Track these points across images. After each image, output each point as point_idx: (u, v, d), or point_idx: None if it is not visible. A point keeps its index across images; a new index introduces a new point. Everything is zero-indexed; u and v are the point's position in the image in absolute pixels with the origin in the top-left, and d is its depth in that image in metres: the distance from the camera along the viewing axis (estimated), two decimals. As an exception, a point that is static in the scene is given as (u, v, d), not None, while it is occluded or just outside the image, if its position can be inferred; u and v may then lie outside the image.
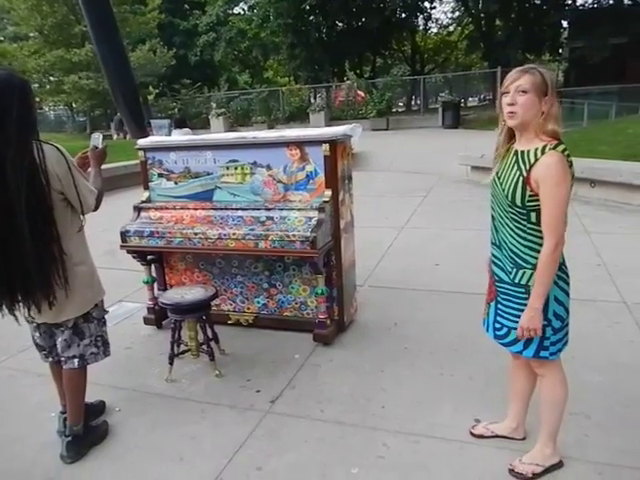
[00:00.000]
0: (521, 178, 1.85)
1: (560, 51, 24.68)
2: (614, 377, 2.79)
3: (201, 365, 3.18)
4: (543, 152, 1.81)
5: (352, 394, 2.79)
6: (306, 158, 3.25)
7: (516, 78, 1.83)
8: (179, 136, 9.88)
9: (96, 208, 2.28)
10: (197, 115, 21.00)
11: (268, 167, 3.35)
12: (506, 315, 2.03)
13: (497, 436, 2.32)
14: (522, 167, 1.86)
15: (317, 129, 3.42)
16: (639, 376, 2.79)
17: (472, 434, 2.37)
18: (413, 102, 23.51)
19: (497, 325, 2.08)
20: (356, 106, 18.41)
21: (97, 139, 2.50)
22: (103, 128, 24.19)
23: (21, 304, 2.14)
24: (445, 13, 40.54)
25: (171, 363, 3.05)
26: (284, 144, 3.28)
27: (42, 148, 2.05)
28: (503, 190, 1.92)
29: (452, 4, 27.23)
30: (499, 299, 2.06)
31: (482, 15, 23.17)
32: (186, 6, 28.73)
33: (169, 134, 9.96)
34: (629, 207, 6.42)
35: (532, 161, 1.83)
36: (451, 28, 30.41)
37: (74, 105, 25.32)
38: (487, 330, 2.17)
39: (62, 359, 2.34)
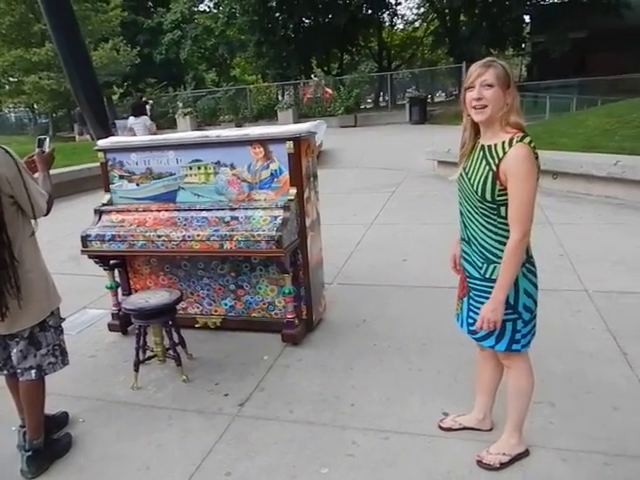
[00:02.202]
0: (491, 173, 1.85)
1: (523, 46, 25.16)
2: (577, 365, 2.86)
3: (168, 371, 3.12)
4: (510, 145, 1.81)
5: (321, 393, 2.78)
6: (270, 156, 3.22)
7: (481, 73, 1.82)
8: (136, 127, 9.71)
9: (47, 212, 2.21)
10: (164, 115, 20.67)
11: (232, 166, 3.30)
12: (477, 310, 2.02)
13: (465, 428, 2.34)
14: (491, 161, 1.86)
15: (281, 127, 3.39)
16: (601, 362, 2.86)
17: (441, 427, 2.38)
18: (381, 98, 23.65)
19: (470, 320, 2.09)
20: (324, 103, 18.45)
21: (44, 142, 2.42)
22: (67, 130, 23.62)
23: None
24: (410, 9, 40.83)
25: (136, 370, 2.98)
26: (247, 142, 3.24)
27: None
28: (472, 185, 1.92)
29: (417, 0, 27.49)
30: (471, 294, 2.06)
31: (446, 11, 23.45)
32: (149, 4, 28.25)
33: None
34: (590, 197, 6.58)
35: (500, 155, 1.83)
36: (417, 24, 30.68)
37: (36, 106, 24.58)
38: (461, 325, 2.17)
39: (18, 371, 2.25)
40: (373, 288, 4.24)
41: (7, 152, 2.03)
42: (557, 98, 15.48)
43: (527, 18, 23.69)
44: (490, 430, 2.32)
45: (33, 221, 2.20)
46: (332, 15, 23.18)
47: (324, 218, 3.73)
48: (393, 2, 26.09)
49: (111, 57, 20.71)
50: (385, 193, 7.84)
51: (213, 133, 3.43)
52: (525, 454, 2.15)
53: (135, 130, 10.00)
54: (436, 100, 21.88)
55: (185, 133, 3.73)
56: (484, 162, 1.89)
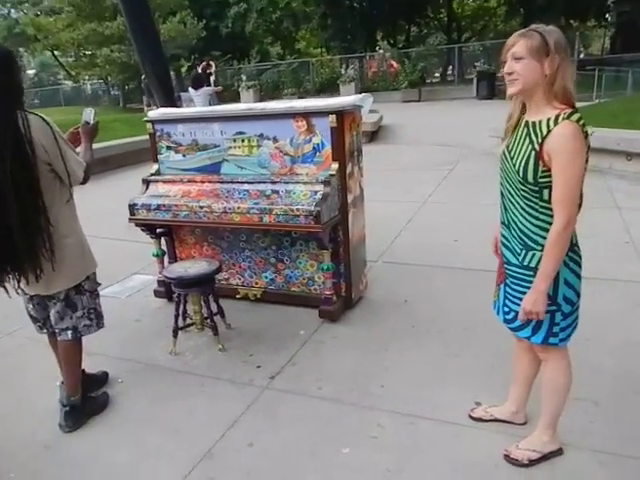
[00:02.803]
0: (533, 152, 1.71)
1: (607, 16, 23.35)
2: (630, 362, 2.65)
3: (206, 339, 3.18)
4: (556, 122, 1.66)
5: (353, 372, 2.74)
6: (313, 130, 3.15)
7: (511, 45, 1.71)
8: (197, 99, 9.80)
9: (85, 181, 2.27)
10: (228, 87, 20.88)
11: (275, 139, 3.26)
12: (514, 299, 1.91)
13: (496, 420, 2.24)
14: (534, 139, 1.72)
15: (324, 99, 3.30)
16: (657, 361, 2.64)
17: (471, 417, 2.29)
18: (450, 72, 22.76)
19: (505, 309, 1.98)
20: (388, 77, 17.97)
21: (89, 114, 2.47)
22: (137, 101, 24.43)
23: (10, 276, 2.15)
24: (485, -22, 38.60)
25: (175, 336, 3.06)
26: (290, 115, 3.18)
27: (27, 118, 2.03)
28: (514, 165, 1.79)
29: (491, -32, 26.03)
30: (508, 282, 1.95)
31: (523, -21, 22.09)
32: (217, -24, 28.33)
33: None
34: (668, 181, 6.06)
35: (544, 132, 1.69)
36: (490, -7, 29.07)
37: (109, 78, 25.53)
38: (497, 313, 2.07)
39: (56, 330, 2.37)
40: (419, 268, 4.12)
41: (43, 120, 2.09)
42: (641, 73, 14.29)
43: (613, -15, 21.91)
44: (523, 424, 2.20)
45: (70, 188, 2.26)
46: (400, -15, 22.40)
47: (376, 195, 3.63)
48: (466, -30, 24.88)
49: (178, 30, 21.01)
50: (442, 171, 7.58)
51: (258, 105, 3.40)
52: (558, 452, 2.02)
53: (195, 102, 10.19)
54: (507, 74, 20.74)
55: (231, 105, 3.73)
56: (527, 140, 1.74)
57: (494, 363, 2.69)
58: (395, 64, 18.24)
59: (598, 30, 26.60)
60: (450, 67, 21.99)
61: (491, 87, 15.81)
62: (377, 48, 21.62)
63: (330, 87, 18.60)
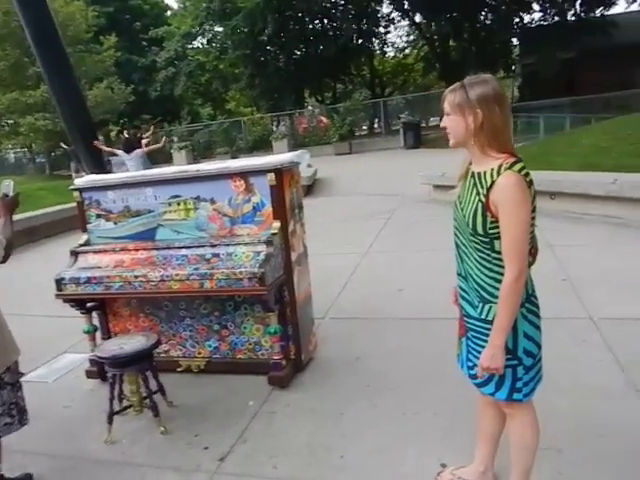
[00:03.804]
0: (480, 203, 1.69)
1: (513, 68, 25.44)
2: (585, 402, 2.64)
3: (145, 421, 2.89)
4: (499, 173, 1.66)
5: (309, 444, 2.56)
6: (251, 189, 3.07)
7: (442, 101, 1.77)
8: (129, 163, 9.65)
9: (5, 259, 2.06)
10: (159, 149, 20.72)
11: (212, 201, 3.15)
12: (476, 353, 1.84)
13: (465, 482, 2.12)
14: (480, 190, 1.70)
15: (262, 158, 3.25)
16: (611, 399, 2.65)
17: (438, 482, 2.16)
18: (376, 125, 23.77)
19: (469, 363, 1.90)
20: (319, 132, 18.51)
21: (8, 187, 2.32)
22: (65, 168, 23.74)
23: None
24: (400, 37, 41.28)
25: (110, 422, 2.77)
26: (227, 176, 3.10)
27: None
28: (464, 217, 1.76)
29: (406, 28, 27.89)
30: (469, 335, 1.88)
31: (435, 37, 23.78)
32: (144, 43, 28.69)
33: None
34: (589, 217, 6.42)
35: (489, 183, 1.67)
36: (407, 51, 31.04)
37: (33, 146, 24.72)
38: (462, 367, 1.98)
39: (-30, 434, 2.06)
40: (367, 322, 4.04)
41: None
42: (550, 118, 15.48)
43: (516, 41, 24.04)
44: (493, 484, 2.10)
45: None
46: (322, 46, 23.51)
47: (317, 248, 3.56)
48: (382, 31, 26.48)
49: (106, 96, 20.82)
50: (380, 220, 7.70)
51: (192, 167, 3.30)
52: (533, 511, 1.93)
53: (128, 166, 9.99)
54: (431, 124, 21.88)
55: (164, 168, 3.60)
56: (474, 191, 1.73)
57: (454, 417, 2.60)
58: (324, 119, 18.86)
59: (507, 80, 28.79)
60: (376, 120, 22.98)
61: (417, 137, 16.62)
62: (305, 105, 22.31)
63: (263, 144, 18.90)
